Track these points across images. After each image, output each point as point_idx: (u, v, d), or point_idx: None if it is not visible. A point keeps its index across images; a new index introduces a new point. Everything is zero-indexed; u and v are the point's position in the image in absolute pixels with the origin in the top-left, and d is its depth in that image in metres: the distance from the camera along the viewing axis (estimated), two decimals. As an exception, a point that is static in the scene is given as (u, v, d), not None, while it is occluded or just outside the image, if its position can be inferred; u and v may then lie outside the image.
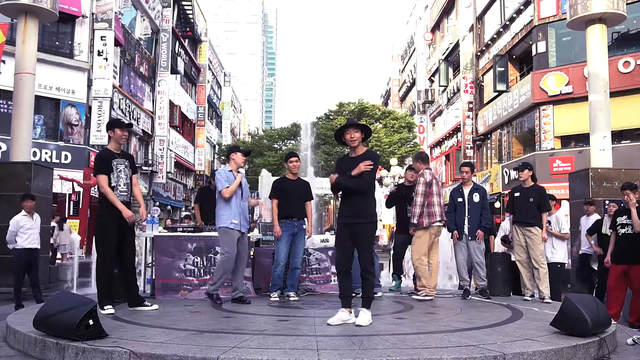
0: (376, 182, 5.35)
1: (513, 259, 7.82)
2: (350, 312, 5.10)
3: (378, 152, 32.93)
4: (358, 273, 5.27)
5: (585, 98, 13.74)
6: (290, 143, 39.39)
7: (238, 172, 6.74)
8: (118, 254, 5.89)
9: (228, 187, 6.51)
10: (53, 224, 16.38)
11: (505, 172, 25.13)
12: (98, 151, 17.17)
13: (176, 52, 36.78)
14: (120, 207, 5.73)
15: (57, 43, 22.99)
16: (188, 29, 41.25)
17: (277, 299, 6.98)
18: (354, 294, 5.37)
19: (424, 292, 7.16)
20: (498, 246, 8.90)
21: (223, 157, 41.64)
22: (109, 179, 5.82)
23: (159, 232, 7.69)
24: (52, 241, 15.85)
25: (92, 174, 18.80)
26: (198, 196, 9.83)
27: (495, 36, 27.62)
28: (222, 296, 6.69)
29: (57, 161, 21.49)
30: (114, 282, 6.03)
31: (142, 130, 30.85)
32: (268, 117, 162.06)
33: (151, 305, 5.99)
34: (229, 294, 6.82)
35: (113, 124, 6.03)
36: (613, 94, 13.08)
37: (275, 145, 40.11)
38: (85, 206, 18.14)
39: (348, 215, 5.14)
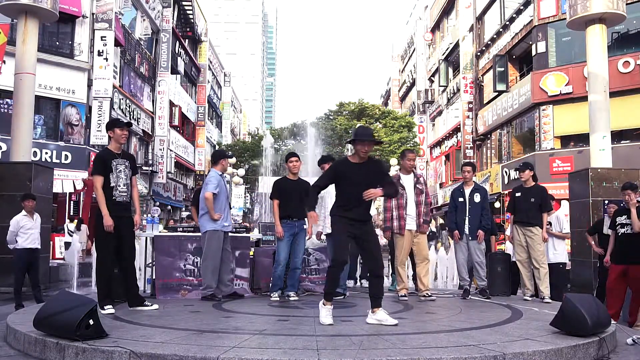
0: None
1: (513, 259, 7.83)
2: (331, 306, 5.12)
3: (378, 152, 33.00)
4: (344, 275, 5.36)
5: (585, 98, 13.73)
6: (290, 143, 39.40)
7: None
8: (118, 254, 5.89)
9: (215, 194, 6.70)
10: (72, 226, 17.20)
11: (505, 172, 25.12)
12: (98, 151, 17.19)
13: (176, 52, 36.77)
14: (103, 213, 5.71)
15: (57, 43, 22.95)
16: (188, 29, 41.23)
17: (278, 299, 6.99)
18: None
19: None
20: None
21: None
22: (109, 179, 5.81)
23: (159, 232, 7.70)
24: (68, 240, 16.77)
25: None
26: (195, 198, 9.82)
27: (495, 36, 27.60)
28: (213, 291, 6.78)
29: (58, 161, 21.42)
30: (114, 282, 6.03)
31: (142, 130, 30.83)
32: (268, 117, 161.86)
33: (151, 305, 5.99)
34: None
35: (112, 124, 6.04)
36: (613, 94, 13.07)
37: (275, 146, 40.13)
38: (87, 207, 18.18)
39: (359, 215, 5.13)
